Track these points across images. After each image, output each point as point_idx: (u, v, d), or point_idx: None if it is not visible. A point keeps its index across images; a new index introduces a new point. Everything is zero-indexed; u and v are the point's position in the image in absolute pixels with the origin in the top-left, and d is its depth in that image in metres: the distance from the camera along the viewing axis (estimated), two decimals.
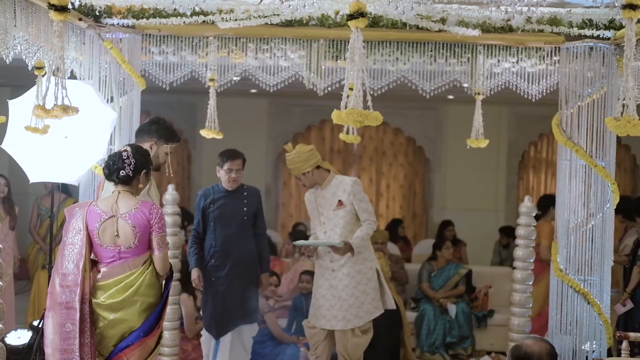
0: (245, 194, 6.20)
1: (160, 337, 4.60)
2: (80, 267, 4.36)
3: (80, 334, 4.32)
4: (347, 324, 5.87)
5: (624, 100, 2.94)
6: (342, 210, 5.92)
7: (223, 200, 6.14)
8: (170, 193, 6.49)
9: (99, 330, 4.42)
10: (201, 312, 6.55)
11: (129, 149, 4.55)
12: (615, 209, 6.09)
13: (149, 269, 4.47)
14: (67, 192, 8.16)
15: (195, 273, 6.20)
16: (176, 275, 6.14)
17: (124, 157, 4.46)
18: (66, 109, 3.95)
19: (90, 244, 4.44)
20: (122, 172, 4.45)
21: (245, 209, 6.17)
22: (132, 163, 4.46)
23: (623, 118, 2.89)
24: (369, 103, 2.61)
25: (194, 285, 6.30)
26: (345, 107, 3.06)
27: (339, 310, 5.88)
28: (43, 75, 4.93)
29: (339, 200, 5.93)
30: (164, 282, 4.63)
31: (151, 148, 5.05)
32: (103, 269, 4.44)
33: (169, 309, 5.15)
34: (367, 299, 5.91)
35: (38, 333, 6.09)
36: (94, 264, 4.52)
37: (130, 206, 4.42)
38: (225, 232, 6.14)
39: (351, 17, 2.68)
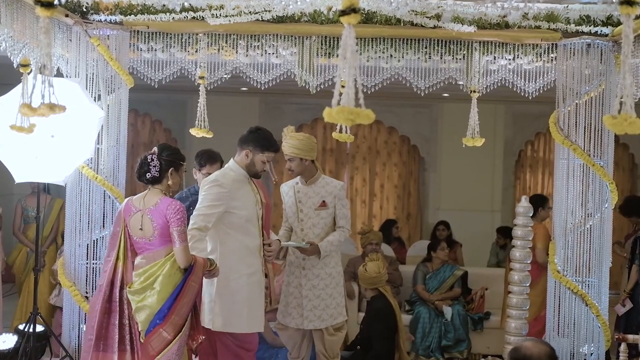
0: None
1: (184, 333, 4.68)
2: (113, 255, 4.85)
3: (108, 314, 4.80)
4: (308, 324, 5.84)
5: (621, 97, 2.84)
6: (325, 212, 5.88)
7: None
8: None
9: (133, 313, 4.76)
10: None
11: (156, 149, 4.85)
12: (629, 210, 6.02)
13: (171, 260, 4.70)
14: (48, 192, 8.00)
15: None
16: None
17: (148, 160, 4.78)
18: (53, 107, 3.89)
19: (128, 236, 4.85)
20: (149, 175, 4.78)
21: None
22: (157, 165, 4.77)
23: (620, 116, 2.77)
24: (361, 101, 2.50)
25: None
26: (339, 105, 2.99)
27: (303, 309, 5.84)
28: (29, 73, 4.81)
29: (323, 201, 5.87)
30: None
31: (247, 156, 5.25)
32: (136, 260, 4.82)
33: None
34: (333, 303, 5.88)
35: (24, 337, 5.99)
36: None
37: (152, 202, 4.76)
38: None
39: (343, 12, 2.56)
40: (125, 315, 4.79)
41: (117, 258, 4.83)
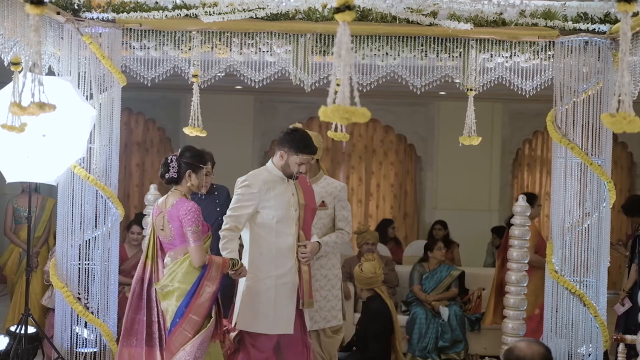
0: (216, 193, 6.12)
1: (209, 329, 4.77)
2: (144, 254, 5.03)
3: (137, 311, 4.95)
4: None
5: (619, 96, 2.80)
6: (323, 212, 5.87)
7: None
8: (152, 193, 6.32)
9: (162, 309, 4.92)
10: None
11: (178, 151, 5.01)
12: (633, 209, 5.97)
13: (189, 259, 4.83)
14: (38, 192, 7.92)
15: None
16: None
17: (168, 162, 4.95)
18: (43, 106, 3.86)
19: (157, 235, 4.99)
20: (167, 175, 4.94)
21: (218, 209, 6.14)
22: (175, 166, 4.91)
23: (618, 114, 2.73)
24: (357, 99, 2.45)
25: None
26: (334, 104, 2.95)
27: None
28: (20, 72, 4.77)
29: (323, 201, 5.85)
30: None
31: (282, 157, 5.27)
32: (165, 258, 4.96)
33: None
34: (327, 306, 5.86)
35: (15, 339, 5.93)
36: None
37: (170, 203, 4.90)
38: None
39: (338, 10, 2.51)
40: (154, 312, 4.93)
41: (147, 257, 4.99)
